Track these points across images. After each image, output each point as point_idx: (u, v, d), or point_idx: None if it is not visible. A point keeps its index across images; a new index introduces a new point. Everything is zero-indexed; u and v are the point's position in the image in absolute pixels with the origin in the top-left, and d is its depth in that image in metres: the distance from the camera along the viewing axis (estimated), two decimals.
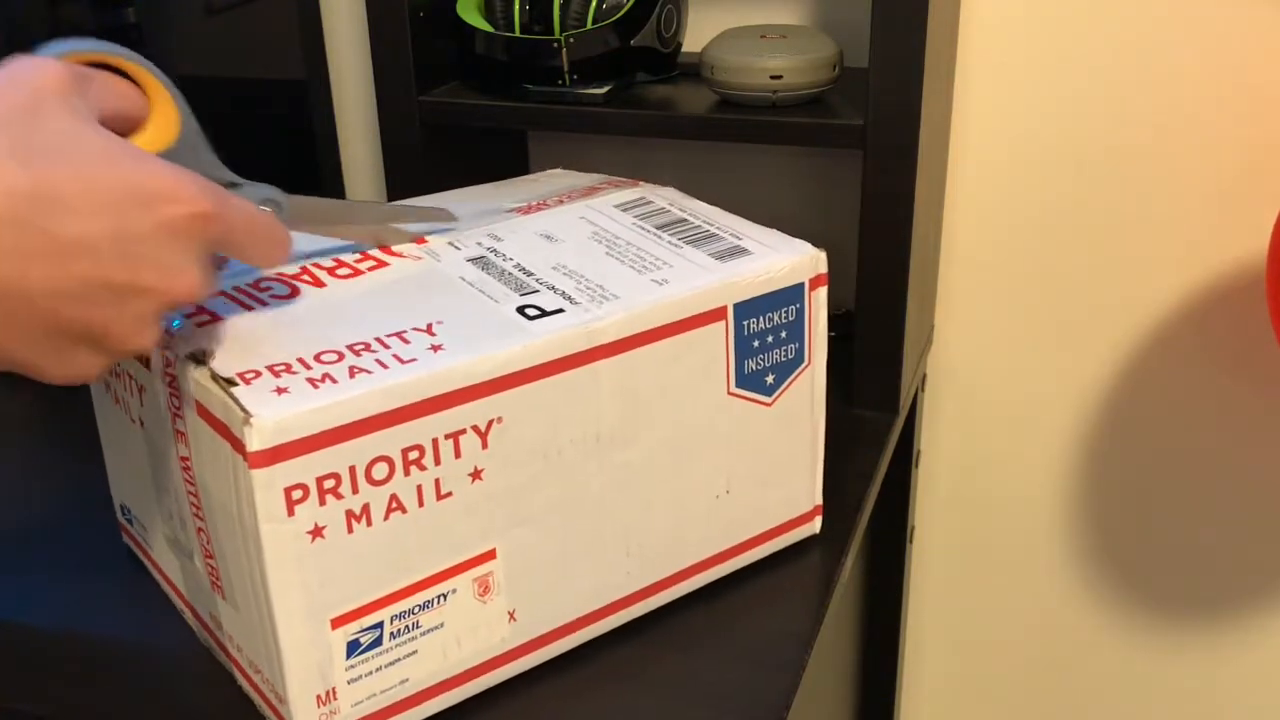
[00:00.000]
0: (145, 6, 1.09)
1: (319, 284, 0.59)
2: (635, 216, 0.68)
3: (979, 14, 0.96)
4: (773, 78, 0.85)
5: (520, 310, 0.57)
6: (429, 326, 0.55)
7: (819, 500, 0.72)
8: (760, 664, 0.62)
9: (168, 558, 0.65)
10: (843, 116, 0.84)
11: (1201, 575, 1.09)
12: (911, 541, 1.10)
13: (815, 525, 0.72)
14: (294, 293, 0.58)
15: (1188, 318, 1.01)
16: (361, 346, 0.53)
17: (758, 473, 0.67)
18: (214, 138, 0.53)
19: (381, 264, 0.61)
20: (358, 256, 0.62)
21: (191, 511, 0.57)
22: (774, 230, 0.67)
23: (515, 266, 0.61)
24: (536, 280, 0.60)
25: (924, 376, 1.05)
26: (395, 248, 0.63)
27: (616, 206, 0.70)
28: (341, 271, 0.60)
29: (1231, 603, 1.09)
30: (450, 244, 0.64)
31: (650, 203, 0.70)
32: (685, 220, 0.68)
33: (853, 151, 0.83)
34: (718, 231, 0.67)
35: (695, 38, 1.01)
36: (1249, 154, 0.94)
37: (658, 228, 0.67)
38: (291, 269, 0.60)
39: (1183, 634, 1.12)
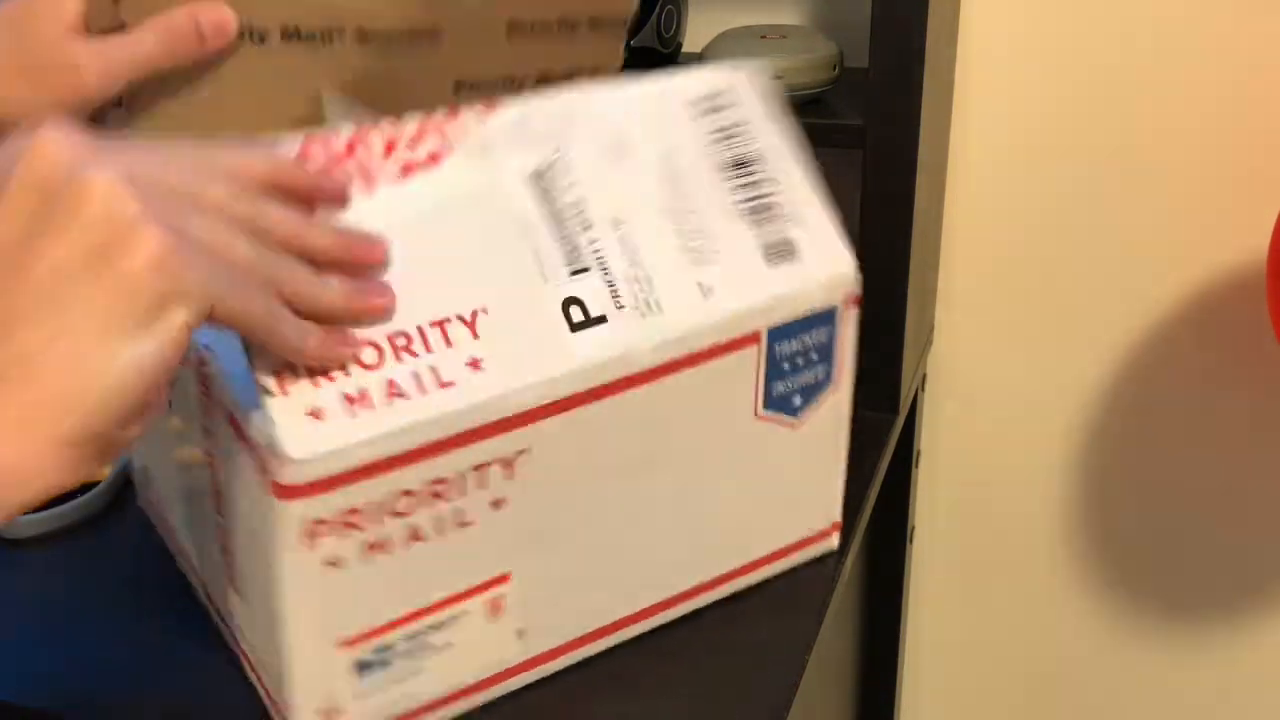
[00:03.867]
0: None
1: (368, 185, 0.52)
2: (709, 131, 0.61)
3: (979, 14, 0.96)
4: (773, 78, 0.85)
5: (566, 305, 0.54)
6: (473, 316, 0.52)
7: (838, 518, 0.70)
8: (760, 664, 0.62)
9: (185, 530, 0.64)
10: (843, 116, 0.84)
11: (1203, 575, 1.09)
12: (911, 541, 1.10)
13: (833, 542, 0.71)
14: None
15: (1188, 317, 1.01)
16: (403, 342, 0.50)
17: (780, 492, 0.66)
18: None
19: (435, 159, 0.54)
20: (413, 133, 0.54)
21: (212, 505, 0.57)
22: (825, 213, 0.62)
23: (573, 204, 0.56)
24: (590, 242, 0.55)
25: (924, 376, 1.04)
26: (453, 134, 0.55)
27: (691, 104, 0.61)
28: (391, 166, 0.53)
29: (1233, 603, 1.09)
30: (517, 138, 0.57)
31: (726, 109, 0.62)
32: (751, 165, 0.61)
33: (853, 151, 0.83)
34: (777, 199, 0.61)
35: (695, 38, 1.01)
36: (1249, 154, 0.94)
37: (724, 165, 0.60)
38: (340, 145, 0.52)
39: (1184, 634, 1.11)
